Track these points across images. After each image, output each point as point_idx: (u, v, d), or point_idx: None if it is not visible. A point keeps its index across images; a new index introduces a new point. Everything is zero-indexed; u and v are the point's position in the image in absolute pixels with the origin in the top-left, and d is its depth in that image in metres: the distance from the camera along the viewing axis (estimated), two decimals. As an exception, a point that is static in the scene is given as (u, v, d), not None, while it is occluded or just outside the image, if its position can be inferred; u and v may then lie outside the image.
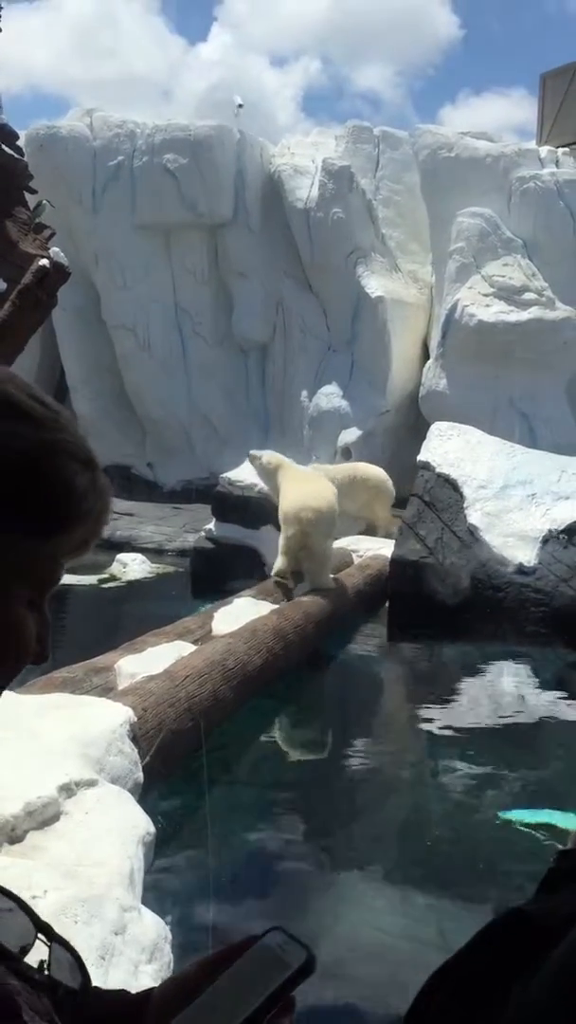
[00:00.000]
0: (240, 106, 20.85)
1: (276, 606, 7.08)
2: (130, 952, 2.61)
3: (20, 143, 12.08)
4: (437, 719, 6.62)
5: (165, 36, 67.25)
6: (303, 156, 19.73)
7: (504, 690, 7.42)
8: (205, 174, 19.28)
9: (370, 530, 11.81)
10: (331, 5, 63.06)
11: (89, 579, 10.84)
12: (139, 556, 11.60)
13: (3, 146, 11.29)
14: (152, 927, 2.80)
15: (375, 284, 18.48)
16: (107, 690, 4.52)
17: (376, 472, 12.38)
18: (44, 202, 11.35)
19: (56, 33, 59.30)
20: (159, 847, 3.48)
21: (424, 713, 6.86)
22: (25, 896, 2.53)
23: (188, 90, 54.84)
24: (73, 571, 9.40)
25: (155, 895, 3.16)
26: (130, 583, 10.92)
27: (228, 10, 67.51)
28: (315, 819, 4.87)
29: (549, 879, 0.68)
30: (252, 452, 9.64)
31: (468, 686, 7.50)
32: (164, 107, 59.60)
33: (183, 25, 79.64)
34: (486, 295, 16.96)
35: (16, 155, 11.35)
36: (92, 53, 55.75)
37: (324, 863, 4.40)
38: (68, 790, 3.19)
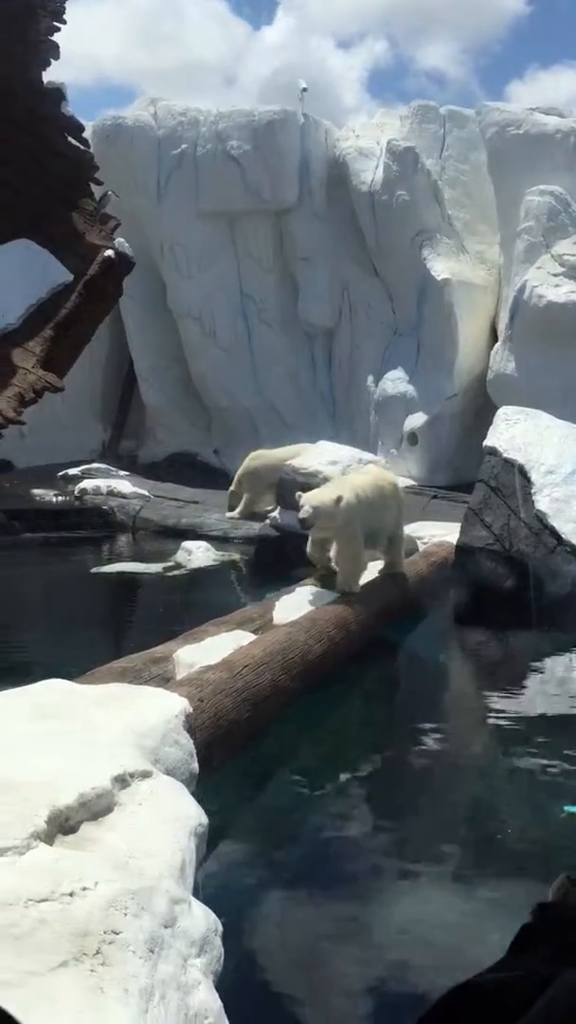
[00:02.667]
0: (304, 89, 20.69)
1: (337, 594, 7.03)
2: (179, 945, 2.61)
3: (86, 135, 12.20)
4: (504, 709, 6.52)
5: (229, 21, 67.09)
6: (368, 138, 19.51)
7: (573, 680, 7.26)
8: (269, 159, 19.21)
9: None
10: (391, -17, 62.20)
11: (154, 567, 10.93)
12: (204, 544, 11.65)
13: (69, 138, 11.41)
14: (202, 920, 2.79)
15: (441, 266, 18.20)
16: (165, 680, 4.54)
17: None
18: (109, 193, 11.45)
19: (120, 24, 59.66)
20: (214, 839, 3.48)
21: (490, 703, 6.75)
22: (75, 888, 2.52)
23: (252, 76, 54.71)
24: (139, 559, 9.58)
25: (207, 887, 3.15)
26: (194, 571, 10.97)
27: (292, -8, 67.10)
28: (376, 810, 4.82)
29: (521, 938, 0.63)
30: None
31: (535, 676, 7.36)
32: (228, 94, 59.57)
33: (247, 10, 79.26)
34: (556, 275, 16.55)
35: (82, 147, 11.46)
36: (156, 42, 55.98)
37: (384, 854, 4.35)
38: (122, 781, 3.20)
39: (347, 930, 3.56)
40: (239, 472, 13.51)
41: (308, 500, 6.91)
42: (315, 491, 7.29)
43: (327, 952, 3.42)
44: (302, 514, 6.86)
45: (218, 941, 2.80)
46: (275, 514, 11.28)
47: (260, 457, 13.28)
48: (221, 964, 2.75)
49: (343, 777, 5.24)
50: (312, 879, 3.96)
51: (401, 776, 5.27)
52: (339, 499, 6.95)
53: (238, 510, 13.22)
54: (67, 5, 11.10)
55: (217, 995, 2.54)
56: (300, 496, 7.13)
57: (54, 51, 11.08)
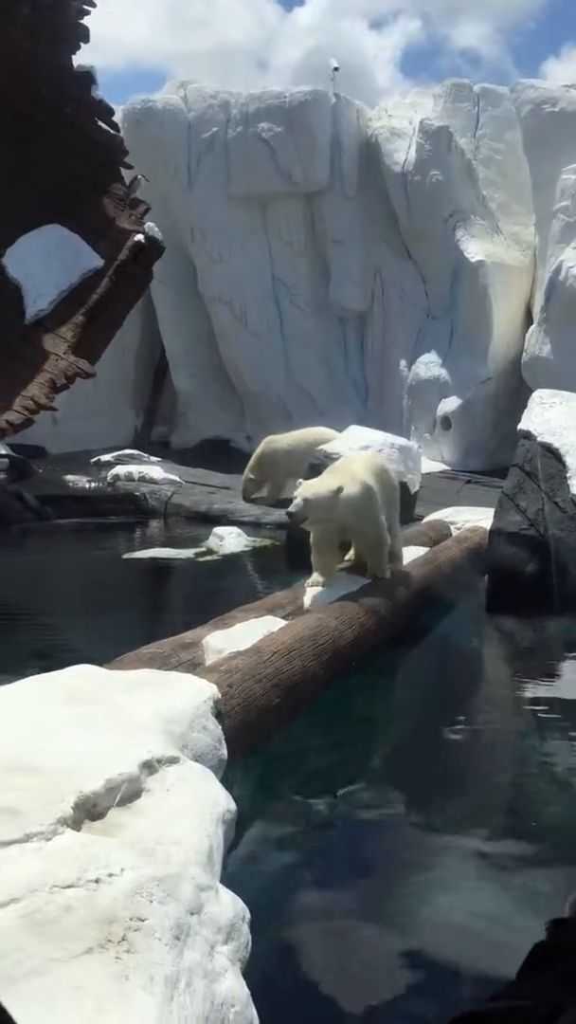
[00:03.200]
0: (336, 69, 20.50)
1: (367, 580, 6.98)
2: (206, 932, 2.59)
3: (116, 119, 12.16)
4: (539, 696, 6.44)
5: (260, 4, 66.66)
6: (400, 118, 19.29)
7: (609, 667, 7.15)
8: (300, 141, 19.07)
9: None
10: (423, -39, 61.43)
11: (185, 553, 10.93)
12: (235, 530, 11.63)
13: (99, 122, 11.39)
14: (230, 907, 2.77)
15: (475, 248, 17.98)
16: (194, 666, 4.52)
17: (335, 435, 12.50)
18: (139, 177, 11.42)
19: (151, 8, 59.50)
20: (242, 825, 3.46)
21: (525, 690, 6.67)
22: (101, 875, 2.50)
23: (284, 58, 54.39)
24: (170, 544, 9.55)
25: (235, 874, 3.13)
26: (226, 557, 10.96)
27: (323, -27, 66.51)
28: (408, 798, 4.77)
29: (534, 956, 0.58)
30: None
31: (570, 663, 7.25)
32: (260, 77, 59.26)
33: (280, -9, 78.85)
34: (592, 255, 16.28)
35: (112, 131, 11.43)
36: (187, 25, 55.79)
37: (417, 843, 4.31)
38: (150, 767, 3.19)
39: (378, 919, 3.53)
40: (254, 458, 13.51)
41: (302, 492, 6.31)
42: (311, 481, 6.63)
43: (357, 941, 3.39)
44: (292, 507, 6.28)
45: (245, 928, 2.78)
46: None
47: (274, 442, 13.28)
48: (248, 951, 2.73)
49: (374, 764, 5.20)
50: (342, 867, 3.93)
51: (433, 764, 5.22)
52: (339, 490, 6.32)
53: (264, 496, 13.22)
54: (96, -12, 11.07)
55: (244, 983, 2.51)
56: (300, 484, 6.64)
57: (84, 34, 11.05)
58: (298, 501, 6.22)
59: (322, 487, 6.38)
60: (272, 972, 3.07)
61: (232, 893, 2.84)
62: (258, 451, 13.63)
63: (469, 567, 8.94)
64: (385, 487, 7.05)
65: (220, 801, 3.24)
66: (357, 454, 8.12)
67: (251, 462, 13.66)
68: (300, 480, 6.87)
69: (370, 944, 3.36)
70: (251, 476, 13.54)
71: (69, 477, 16.75)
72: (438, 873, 4.01)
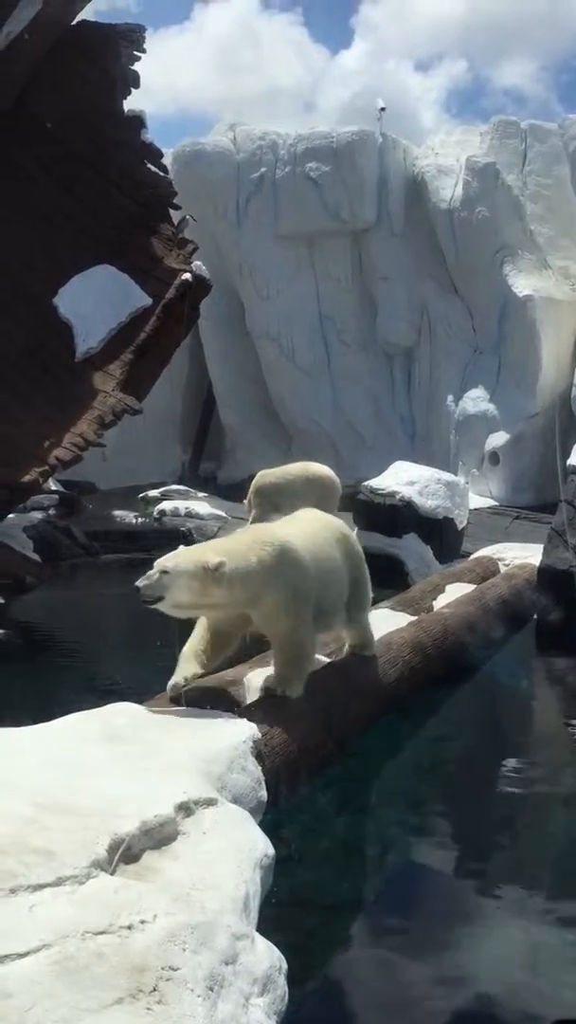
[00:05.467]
0: (383, 109, 20.72)
1: (414, 618, 6.87)
2: (241, 983, 2.51)
3: (166, 161, 12.41)
4: (589, 739, 6.26)
5: (307, 48, 67.92)
6: (447, 156, 19.42)
7: None
8: (348, 180, 19.26)
9: None
10: (467, 6, 62.17)
11: (231, 588, 10.88)
12: (281, 565, 11.61)
13: (149, 165, 11.61)
14: (266, 957, 2.68)
15: (523, 283, 17.92)
16: (234, 705, 4.46)
17: (326, 471, 12.57)
18: (187, 217, 11.59)
19: (199, 54, 60.91)
20: (280, 871, 3.37)
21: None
22: (133, 921, 2.44)
23: (331, 100, 55.22)
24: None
25: (272, 922, 3.05)
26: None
27: (365, 18, 67.60)
28: (455, 843, 4.64)
29: None
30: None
31: (624, 705, 7.05)
32: (307, 119, 60.14)
33: (325, 36, 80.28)
34: None
35: (161, 173, 11.65)
36: (235, 70, 56.98)
37: (464, 890, 4.17)
38: (186, 809, 3.13)
39: (422, 972, 3.40)
40: (249, 491, 13.56)
41: (161, 562, 4.35)
42: (182, 550, 4.55)
43: (400, 995, 3.27)
44: (140, 581, 4.31)
45: (282, 980, 2.69)
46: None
47: (265, 475, 13.32)
48: (285, 1005, 2.64)
49: (419, 808, 5.07)
50: (385, 916, 3.81)
51: (481, 808, 5.08)
52: (219, 565, 4.27)
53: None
54: (147, 36, 11.34)
55: (279, 1038, 2.43)
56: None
57: (134, 80, 11.31)
58: (151, 573, 4.32)
59: (192, 557, 4.39)
60: (310, 1026, 2.98)
61: (268, 942, 2.76)
62: (252, 484, 13.70)
63: (517, 604, 8.77)
64: (348, 557, 5.25)
65: (258, 845, 3.16)
66: (310, 513, 5.59)
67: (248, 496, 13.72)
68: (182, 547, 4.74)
69: (413, 999, 3.24)
70: (248, 510, 13.61)
71: (117, 512, 16.89)
72: (486, 923, 3.87)
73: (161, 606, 4.36)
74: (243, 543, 4.58)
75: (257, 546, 4.51)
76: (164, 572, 4.30)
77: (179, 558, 4.40)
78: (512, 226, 18.58)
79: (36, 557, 10.85)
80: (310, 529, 5.05)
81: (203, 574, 4.30)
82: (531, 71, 71.22)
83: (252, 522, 13.16)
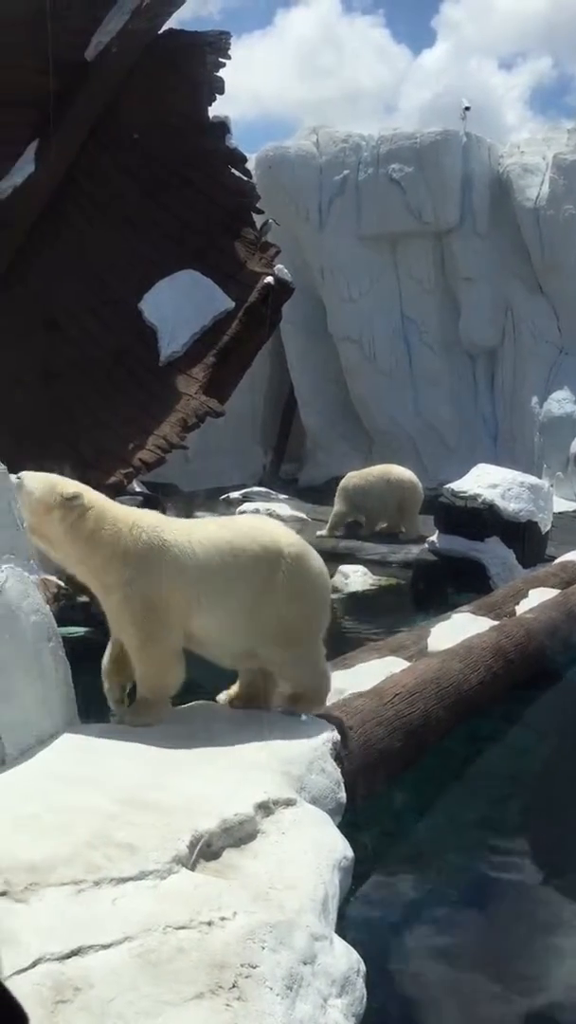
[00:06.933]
0: (467, 108, 20.50)
1: (496, 622, 6.78)
2: (319, 984, 2.52)
3: (249, 166, 12.51)
4: None
5: (389, 49, 67.51)
6: (533, 154, 19.10)
7: None
8: (431, 181, 19.11)
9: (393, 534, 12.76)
10: (551, 2, 61.06)
11: (311, 590, 10.91)
12: (361, 568, 11.56)
13: (233, 170, 11.72)
14: (344, 959, 2.69)
15: (611, 281, 17.51)
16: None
17: (408, 474, 12.92)
18: (270, 221, 11.66)
19: (281, 58, 61.15)
20: (360, 873, 3.37)
21: None
22: (214, 918, 2.48)
23: (413, 101, 54.80)
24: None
25: (351, 925, 3.05)
26: (351, 595, 10.90)
27: (447, 18, 66.84)
28: (538, 853, 4.56)
29: None
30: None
31: None
32: (389, 120, 59.84)
33: (407, 36, 79.70)
34: None
35: (244, 178, 11.75)
36: (317, 73, 57.01)
37: (548, 902, 4.10)
38: (266, 808, 3.16)
39: (500, 980, 3.36)
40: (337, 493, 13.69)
41: (23, 472, 3.93)
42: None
43: (478, 1002, 3.24)
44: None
45: (361, 983, 2.69)
46: (433, 539, 11.05)
47: (351, 477, 13.41)
48: (363, 1008, 2.64)
49: (503, 816, 5.00)
50: (467, 924, 3.77)
51: (563, 818, 4.97)
52: (74, 497, 3.87)
53: (326, 528, 13.39)
54: (230, 41, 11.45)
55: (357, 1041, 2.43)
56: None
57: (220, 86, 11.43)
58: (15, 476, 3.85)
59: (53, 479, 3.96)
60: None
61: (347, 944, 2.77)
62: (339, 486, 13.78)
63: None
64: (280, 586, 4.03)
65: (337, 847, 3.17)
66: (253, 522, 4.59)
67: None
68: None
69: (491, 1006, 3.20)
70: (333, 510, 13.69)
71: (199, 514, 17.08)
72: (568, 934, 3.80)
73: None
74: (130, 514, 4.01)
75: (134, 524, 3.91)
76: (18, 479, 3.82)
77: (40, 474, 3.94)
78: (600, 224, 18.19)
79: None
80: (222, 539, 4.02)
81: (50, 498, 3.83)
82: (618, 66, 69.57)
83: (332, 521, 13.26)
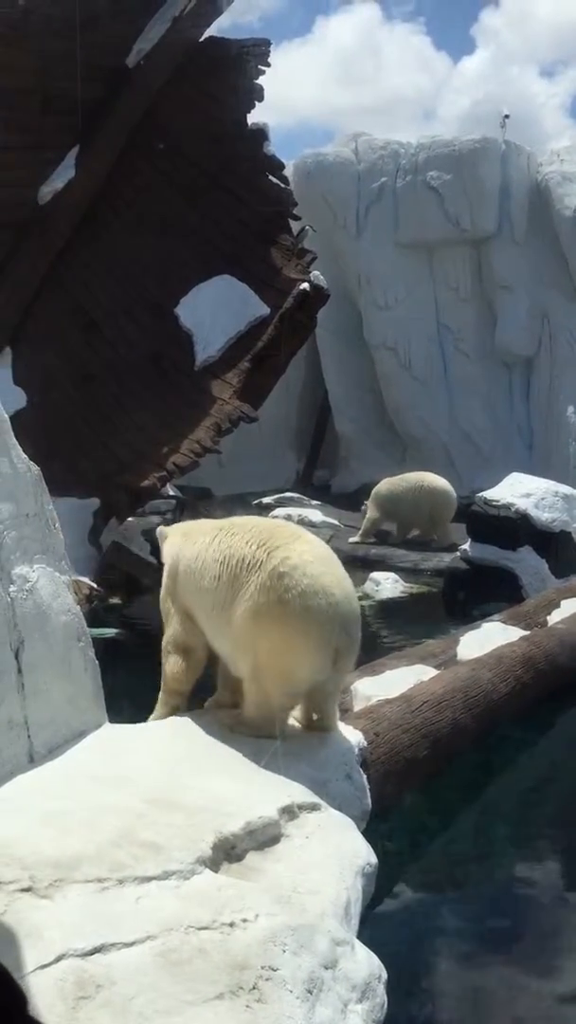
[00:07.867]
0: (507, 116, 20.41)
1: (526, 632, 6.73)
2: (340, 989, 2.53)
3: (287, 173, 12.55)
4: None
5: (428, 56, 67.18)
6: (572, 162, 18.98)
7: None
8: (469, 188, 19.04)
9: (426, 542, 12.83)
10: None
11: (342, 597, 10.89)
12: (392, 575, 11.53)
13: (271, 177, 11.77)
14: (365, 964, 2.69)
15: None
16: (342, 712, 4.47)
17: (442, 482, 12.86)
18: (307, 227, 11.67)
19: (321, 65, 61.05)
20: (383, 880, 3.36)
21: None
22: (236, 919, 2.49)
23: (453, 108, 54.50)
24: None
25: (373, 931, 3.04)
26: (382, 603, 10.87)
27: (486, 26, 66.50)
28: (564, 863, 4.52)
29: None
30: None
31: None
32: (427, 127, 59.61)
33: (447, 43, 79.36)
34: None
35: (282, 185, 11.79)
36: (355, 81, 56.86)
37: (572, 910, 4.06)
38: (290, 813, 3.17)
39: (525, 988, 3.34)
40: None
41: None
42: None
43: (499, 1010, 3.21)
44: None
45: (381, 989, 2.69)
46: (466, 547, 11.00)
47: (384, 484, 13.40)
48: (384, 1014, 2.64)
49: (526, 824, 4.96)
50: (489, 933, 3.74)
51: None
52: (163, 529, 5.04)
53: (358, 534, 13.40)
54: (269, 50, 11.51)
55: (376, 1047, 2.42)
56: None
57: (259, 94, 11.49)
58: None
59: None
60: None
61: (369, 950, 2.76)
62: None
63: None
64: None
65: (361, 853, 3.17)
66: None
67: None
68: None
69: (512, 1016, 3.18)
70: (366, 517, 13.68)
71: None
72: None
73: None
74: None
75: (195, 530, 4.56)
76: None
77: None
78: None
79: (152, 560, 11.10)
80: (221, 543, 4.15)
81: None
82: None
83: (364, 527, 13.27)
